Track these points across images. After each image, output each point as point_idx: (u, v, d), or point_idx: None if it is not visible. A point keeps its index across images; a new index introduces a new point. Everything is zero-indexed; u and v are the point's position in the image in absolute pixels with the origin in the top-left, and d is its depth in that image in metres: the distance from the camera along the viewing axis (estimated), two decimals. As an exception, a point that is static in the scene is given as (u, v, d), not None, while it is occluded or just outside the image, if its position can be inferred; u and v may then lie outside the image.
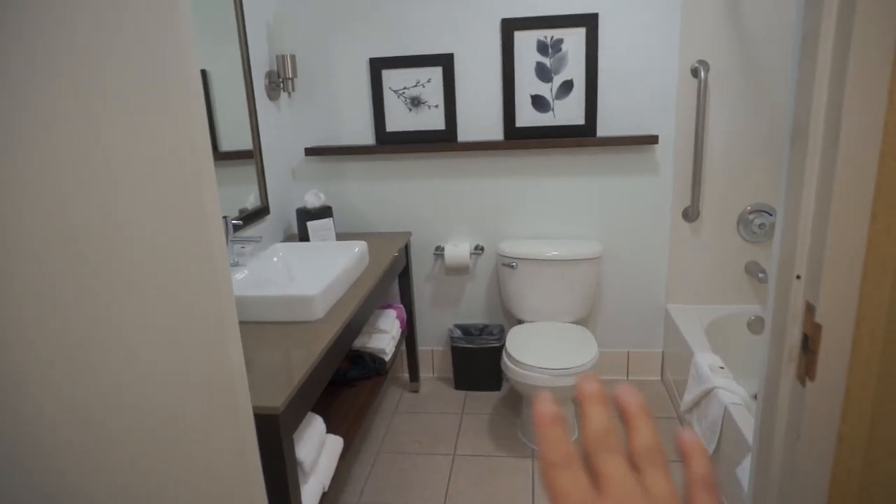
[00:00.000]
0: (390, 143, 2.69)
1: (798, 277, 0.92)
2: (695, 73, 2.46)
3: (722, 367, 2.09)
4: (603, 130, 2.58)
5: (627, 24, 2.46)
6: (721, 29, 2.43)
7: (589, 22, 2.47)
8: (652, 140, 2.50)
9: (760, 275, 2.58)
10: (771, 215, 2.56)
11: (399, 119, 2.68)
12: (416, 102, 2.66)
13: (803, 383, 0.93)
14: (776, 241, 0.99)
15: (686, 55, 2.47)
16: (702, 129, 2.49)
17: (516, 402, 2.70)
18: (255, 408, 0.95)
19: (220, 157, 2.18)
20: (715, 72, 2.46)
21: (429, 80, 2.63)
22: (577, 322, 2.63)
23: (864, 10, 0.80)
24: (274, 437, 1.24)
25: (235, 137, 2.28)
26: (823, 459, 0.94)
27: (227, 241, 1.98)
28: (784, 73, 2.41)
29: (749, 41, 2.43)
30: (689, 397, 2.19)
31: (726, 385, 1.98)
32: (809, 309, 0.90)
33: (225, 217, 2.03)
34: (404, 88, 2.65)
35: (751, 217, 2.59)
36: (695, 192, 2.57)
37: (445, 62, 2.59)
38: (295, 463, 1.39)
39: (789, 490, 0.99)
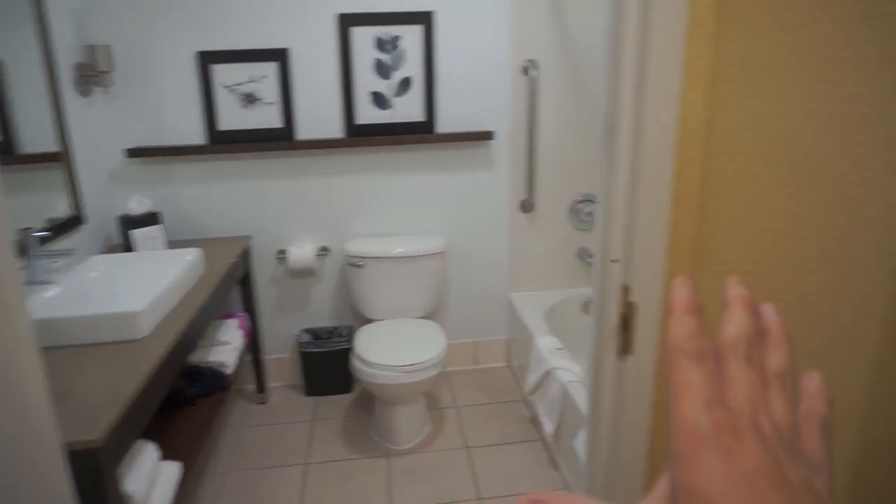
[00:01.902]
0: (224, 142, 2.53)
1: (615, 261, 1.00)
2: (525, 71, 2.60)
3: (560, 349, 2.23)
4: (443, 127, 2.64)
5: (462, 24, 2.54)
6: (548, 31, 2.59)
7: (425, 20, 2.51)
8: (487, 136, 2.60)
9: (589, 259, 2.79)
10: (596, 204, 2.78)
11: (232, 117, 2.53)
12: (250, 99, 2.53)
13: (623, 358, 1.01)
14: (597, 229, 1.06)
15: (517, 54, 2.59)
16: (534, 124, 2.64)
17: (368, 402, 2.68)
18: (69, 443, 0.84)
19: (22, 160, 1.91)
20: (545, 70, 2.61)
21: (264, 76, 2.51)
22: (425, 317, 2.67)
23: (658, 27, 0.88)
24: (94, 474, 1.11)
25: (41, 138, 2.01)
26: (642, 427, 1.03)
27: (29, 256, 1.74)
28: (605, 73, 2.64)
29: (574, 43, 2.61)
30: (531, 379, 2.32)
31: (564, 365, 2.12)
32: (625, 290, 0.98)
33: (26, 229, 1.78)
34: (237, 84, 2.51)
35: (580, 206, 2.79)
36: (530, 184, 2.72)
37: (281, 57, 2.48)
38: (121, 499, 1.25)
39: (616, 456, 1.08)
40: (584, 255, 2.84)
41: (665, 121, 0.91)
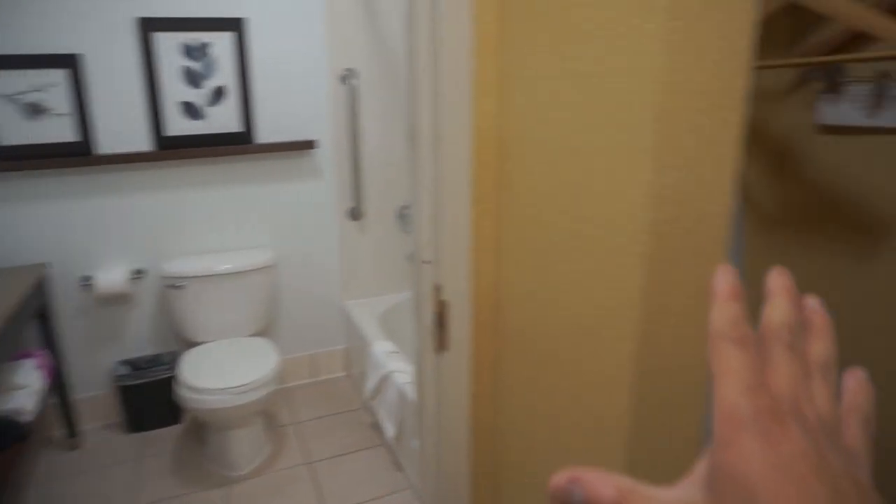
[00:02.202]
0: (5, 158, 2.23)
1: (426, 262, 1.05)
2: (344, 80, 2.60)
3: (395, 352, 2.27)
4: (264, 137, 2.55)
5: (276, 32, 2.48)
6: (366, 40, 2.62)
7: (236, 26, 2.41)
8: (309, 145, 2.57)
9: (421, 263, 2.88)
10: (423, 210, 2.87)
11: (14, 130, 2.23)
12: (36, 110, 2.25)
13: (440, 354, 1.06)
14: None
15: (335, 63, 2.59)
16: (357, 132, 2.65)
17: (200, 430, 2.52)
18: None
19: None
20: (365, 79, 2.64)
21: (52, 85, 2.25)
22: (257, 334, 2.57)
23: (446, 39, 0.94)
24: None
25: None
26: (463, 416, 1.09)
27: None
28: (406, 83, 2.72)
29: (392, 53, 2.67)
30: (370, 385, 2.33)
31: (400, 367, 2.16)
32: (437, 289, 1.03)
33: None
34: (18, 94, 2.22)
35: (406, 212, 2.87)
36: (357, 192, 2.74)
37: (71, 64, 2.24)
38: None
39: (442, 445, 1.13)
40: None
41: (460, 128, 0.97)
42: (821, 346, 0.29)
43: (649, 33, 0.65)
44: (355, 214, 2.77)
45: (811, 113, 1.39)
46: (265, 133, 2.55)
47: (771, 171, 1.46)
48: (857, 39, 1.25)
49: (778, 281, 0.30)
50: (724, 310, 0.27)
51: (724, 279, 0.29)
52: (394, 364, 2.19)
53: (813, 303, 0.30)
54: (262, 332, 2.62)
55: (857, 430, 0.27)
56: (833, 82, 1.33)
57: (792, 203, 1.43)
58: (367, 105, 2.68)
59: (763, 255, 1.48)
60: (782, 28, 1.41)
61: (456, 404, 1.07)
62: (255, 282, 2.49)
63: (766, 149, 1.46)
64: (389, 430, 2.22)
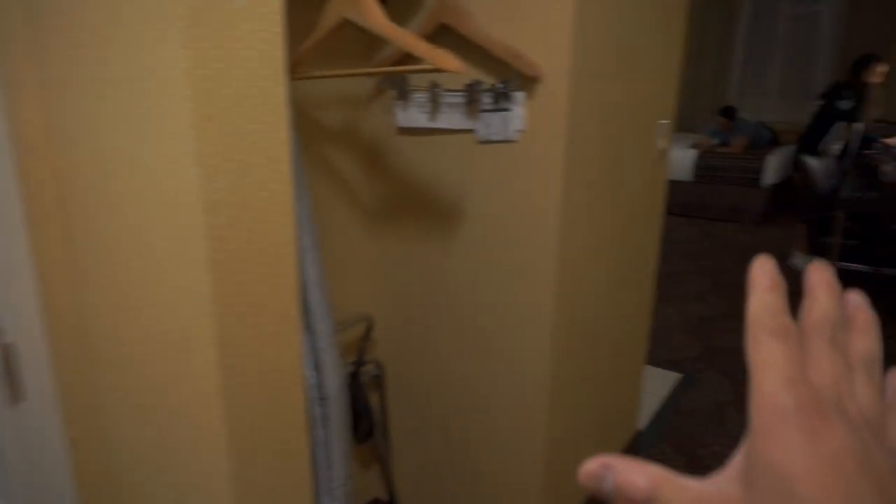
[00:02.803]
0: None
1: (-24, 304, 0.88)
2: None
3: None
4: None
5: None
6: None
7: None
8: None
9: None
10: None
11: None
12: None
13: (17, 407, 0.90)
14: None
15: None
16: None
17: None
18: None
19: None
20: None
21: None
22: None
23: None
24: None
25: None
26: (65, 468, 0.96)
27: None
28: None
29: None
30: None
31: None
32: (-2, 332, 0.88)
33: None
34: None
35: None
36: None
37: None
38: None
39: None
40: None
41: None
42: (864, 342, 0.28)
43: (172, 39, 0.66)
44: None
45: (391, 117, 1.59)
46: None
47: (366, 169, 1.64)
48: (411, 55, 1.48)
49: (818, 276, 0.29)
50: (763, 301, 0.27)
51: (764, 270, 0.28)
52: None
53: (856, 299, 0.30)
54: None
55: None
56: (402, 91, 1.55)
57: (385, 196, 1.63)
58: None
59: (365, 245, 1.66)
60: (363, 41, 1.58)
61: (52, 460, 0.93)
62: None
63: (360, 149, 1.63)
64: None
